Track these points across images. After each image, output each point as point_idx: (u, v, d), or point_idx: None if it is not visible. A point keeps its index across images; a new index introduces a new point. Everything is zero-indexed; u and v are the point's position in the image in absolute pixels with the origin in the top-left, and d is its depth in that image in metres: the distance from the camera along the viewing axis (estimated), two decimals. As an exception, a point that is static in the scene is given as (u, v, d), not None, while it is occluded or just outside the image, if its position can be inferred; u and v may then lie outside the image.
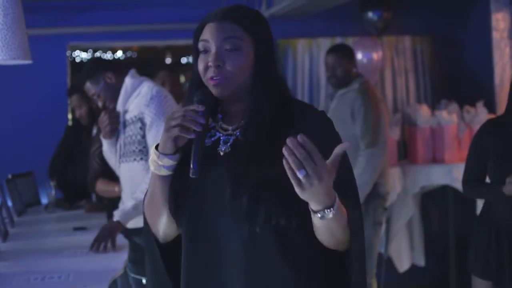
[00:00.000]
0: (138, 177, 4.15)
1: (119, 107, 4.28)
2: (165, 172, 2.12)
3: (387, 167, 5.63)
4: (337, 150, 1.85)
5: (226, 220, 2.06)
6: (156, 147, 2.12)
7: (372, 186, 5.37)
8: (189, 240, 2.17)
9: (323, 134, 2.08)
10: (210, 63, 2.08)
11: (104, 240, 3.96)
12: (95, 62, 4.58)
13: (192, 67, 2.21)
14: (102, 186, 4.84)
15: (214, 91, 2.10)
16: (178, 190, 2.13)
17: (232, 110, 2.18)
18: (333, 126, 2.17)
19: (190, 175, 2.03)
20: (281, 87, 2.18)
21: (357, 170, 5.29)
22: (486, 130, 4.07)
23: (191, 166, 2.03)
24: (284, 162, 1.80)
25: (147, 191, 2.25)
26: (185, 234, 2.18)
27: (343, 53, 5.62)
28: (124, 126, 4.23)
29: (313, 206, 1.88)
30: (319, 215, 1.89)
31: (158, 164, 2.11)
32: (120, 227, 4.11)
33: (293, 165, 1.79)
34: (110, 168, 4.60)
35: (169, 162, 2.10)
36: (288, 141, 1.79)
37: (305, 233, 2.03)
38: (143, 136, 4.11)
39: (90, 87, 4.37)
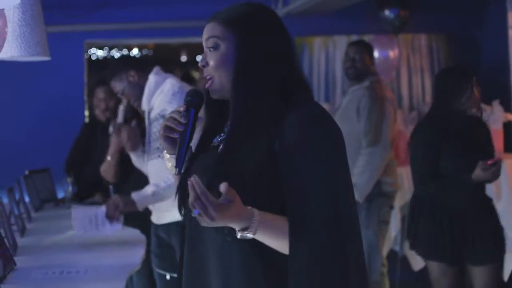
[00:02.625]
0: (162, 173, 4.16)
1: (144, 105, 4.30)
2: (174, 170, 2.18)
3: (394, 166, 5.60)
4: (222, 189, 1.85)
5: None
6: None
7: (372, 185, 5.35)
8: (186, 236, 2.22)
9: (295, 142, 1.97)
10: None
11: (115, 212, 4.06)
12: (119, 61, 4.60)
13: None
14: (102, 167, 4.92)
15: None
16: (183, 189, 2.17)
17: None
18: (312, 132, 1.99)
19: (175, 173, 2.11)
20: (276, 85, 2.07)
21: (357, 169, 5.30)
22: (431, 130, 4.36)
23: (174, 165, 2.11)
24: None
25: None
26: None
27: (365, 48, 5.66)
28: (150, 123, 4.25)
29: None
30: (238, 235, 1.93)
31: (168, 163, 2.22)
32: (133, 207, 4.12)
33: (189, 204, 1.85)
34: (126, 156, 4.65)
35: (173, 161, 2.17)
36: (188, 181, 1.84)
37: None
38: None
39: (114, 85, 4.42)
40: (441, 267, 4.39)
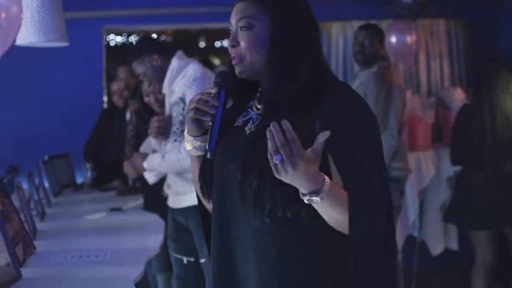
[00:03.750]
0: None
1: (165, 88, 4.31)
2: (195, 153, 2.22)
3: (404, 151, 5.52)
4: (319, 138, 1.82)
5: (240, 205, 2.05)
6: None
7: None
8: (213, 219, 2.20)
9: (339, 126, 1.96)
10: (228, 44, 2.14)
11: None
12: (142, 44, 4.58)
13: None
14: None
15: (235, 70, 2.13)
16: (207, 170, 2.19)
17: (264, 89, 2.16)
18: (355, 116, 2.04)
19: (207, 156, 2.10)
20: (309, 67, 2.08)
21: None
22: None
23: (207, 147, 2.10)
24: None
25: None
26: (212, 212, 2.22)
27: (374, 32, 5.52)
28: (170, 108, 4.27)
29: (300, 190, 1.88)
30: (305, 199, 1.89)
31: (188, 145, 2.20)
32: (142, 170, 4.39)
33: (271, 150, 1.80)
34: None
35: (196, 143, 2.19)
36: (271, 125, 1.80)
37: (317, 221, 1.97)
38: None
39: (136, 67, 4.44)
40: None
